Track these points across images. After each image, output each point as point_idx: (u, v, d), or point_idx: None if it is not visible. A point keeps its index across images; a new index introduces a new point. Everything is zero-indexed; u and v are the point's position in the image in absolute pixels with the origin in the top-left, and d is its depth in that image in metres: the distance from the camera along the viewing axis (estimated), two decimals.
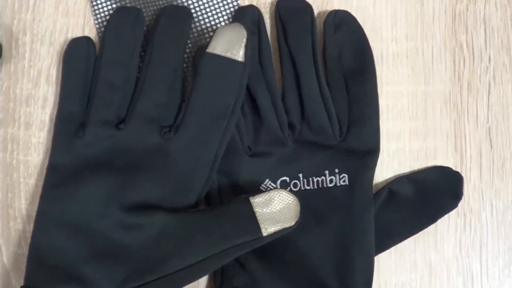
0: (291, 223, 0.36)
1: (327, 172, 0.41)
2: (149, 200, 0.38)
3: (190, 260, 0.36)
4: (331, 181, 0.40)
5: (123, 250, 0.37)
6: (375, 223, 0.40)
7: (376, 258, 0.41)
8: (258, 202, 0.36)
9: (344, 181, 0.40)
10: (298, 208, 0.36)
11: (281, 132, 0.41)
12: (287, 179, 0.41)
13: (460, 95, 0.44)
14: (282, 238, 0.37)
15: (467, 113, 0.44)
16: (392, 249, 0.42)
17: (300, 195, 0.39)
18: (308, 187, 0.41)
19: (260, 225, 0.36)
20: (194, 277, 0.37)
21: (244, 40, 0.38)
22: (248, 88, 0.41)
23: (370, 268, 0.39)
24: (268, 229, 0.36)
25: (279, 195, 0.36)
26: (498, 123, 0.44)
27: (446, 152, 0.43)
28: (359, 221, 0.39)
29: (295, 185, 0.41)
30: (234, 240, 0.36)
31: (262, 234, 0.36)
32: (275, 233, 0.36)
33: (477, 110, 0.44)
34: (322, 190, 0.40)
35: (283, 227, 0.36)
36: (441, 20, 0.44)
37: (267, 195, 0.36)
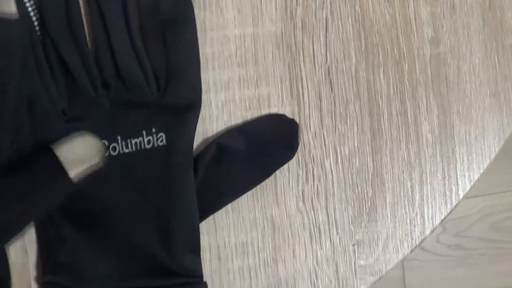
0: (96, 159, 0.35)
1: (144, 132, 0.37)
2: None
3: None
4: (148, 142, 0.37)
5: None
6: (205, 182, 0.38)
7: (212, 217, 0.39)
8: (61, 150, 0.35)
9: (161, 141, 0.37)
10: (99, 143, 0.36)
11: (94, 92, 0.37)
12: (106, 142, 0.38)
13: (294, 35, 0.40)
14: (103, 209, 0.36)
15: (303, 54, 0.40)
16: (229, 206, 0.39)
17: (119, 159, 0.37)
18: (127, 150, 0.37)
19: (65, 168, 0.34)
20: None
21: None
22: (56, 49, 0.37)
23: (195, 233, 0.37)
24: (74, 170, 0.35)
25: (79, 138, 0.36)
26: (338, 62, 0.40)
27: (282, 98, 0.40)
28: (178, 185, 0.37)
29: (113, 149, 0.38)
30: (45, 190, 0.35)
31: (70, 176, 0.34)
32: (83, 172, 0.35)
33: (313, 50, 0.40)
34: (140, 153, 0.37)
35: (89, 164, 0.35)
36: None
37: (68, 142, 0.36)
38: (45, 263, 0.37)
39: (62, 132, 0.37)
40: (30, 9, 0.37)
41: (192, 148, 0.37)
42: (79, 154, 0.35)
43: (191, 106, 0.38)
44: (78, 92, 0.38)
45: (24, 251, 0.38)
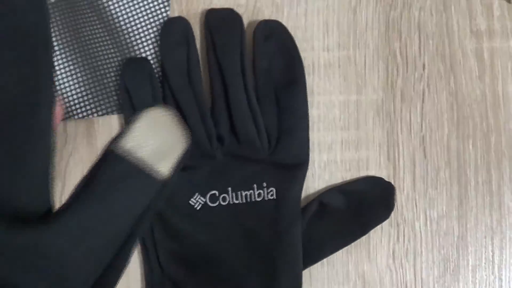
0: (183, 146, 0.28)
1: (255, 186, 0.40)
2: None
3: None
4: (259, 195, 0.40)
5: None
6: (306, 236, 0.40)
7: (308, 270, 0.41)
8: (131, 147, 0.27)
9: (272, 195, 0.40)
10: (176, 122, 0.28)
11: (209, 145, 0.41)
12: (217, 192, 0.41)
13: (393, 104, 0.43)
14: (210, 252, 0.38)
15: (400, 122, 0.43)
16: (325, 260, 0.41)
17: (229, 209, 0.39)
18: (237, 201, 0.40)
19: (152, 172, 0.27)
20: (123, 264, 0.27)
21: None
22: (175, 101, 0.40)
23: (297, 282, 0.39)
24: (163, 168, 0.27)
25: (146, 121, 0.27)
26: (432, 131, 0.43)
27: (379, 162, 0.43)
28: (286, 235, 0.39)
29: (224, 199, 0.40)
30: (139, 206, 0.27)
31: (163, 178, 0.27)
32: (175, 167, 0.27)
33: (410, 119, 0.43)
34: (250, 204, 0.40)
35: (177, 157, 0.28)
36: (374, 28, 0.44)
37: (133, 132, 0.27)
38: None
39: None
40: (152, 62, 0.40)
41: (299, 201, 0.40)
42: (157, 145, 0.27)
43: (299, 164, 0.41)
44: (193, 143, 0.41)
45: None
